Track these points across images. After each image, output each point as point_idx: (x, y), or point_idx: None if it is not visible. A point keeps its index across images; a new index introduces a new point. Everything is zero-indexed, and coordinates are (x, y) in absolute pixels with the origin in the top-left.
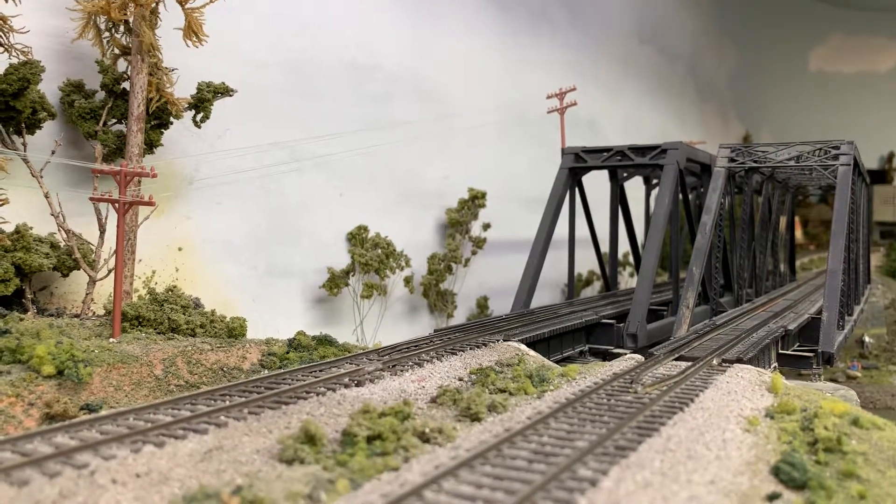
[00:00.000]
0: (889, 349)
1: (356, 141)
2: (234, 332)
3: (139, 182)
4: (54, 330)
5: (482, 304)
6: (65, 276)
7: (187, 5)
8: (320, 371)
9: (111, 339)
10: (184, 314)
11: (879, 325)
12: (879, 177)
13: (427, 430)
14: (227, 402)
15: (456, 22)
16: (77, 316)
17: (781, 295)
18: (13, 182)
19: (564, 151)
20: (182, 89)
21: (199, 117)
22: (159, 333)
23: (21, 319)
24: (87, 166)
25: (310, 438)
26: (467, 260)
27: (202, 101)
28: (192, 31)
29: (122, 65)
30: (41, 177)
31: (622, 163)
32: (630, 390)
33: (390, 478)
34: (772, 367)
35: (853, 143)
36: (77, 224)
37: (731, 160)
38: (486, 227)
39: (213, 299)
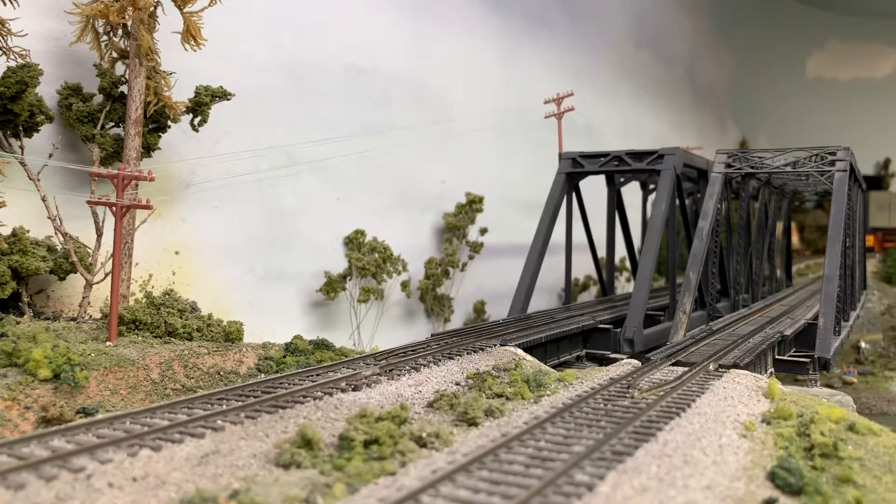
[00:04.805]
0: (885, 355)
1: (354, 145)
2: (230, 335)
3: (136, 185)
4: (51, 333)
5: (479, 308)
6: (61, 279)
7: (186, 9)
8: (317, 375)
9: (108, 343)
10: (180, 318)
11: (875, 331)
12: (875, 183)
13: (424, 435)
14: (224, 406)
15: (454, 26)
16: (73, 319)
17: (778, 300)
18: (10, 185)
19: (561, 156)
20: (180, 93)
21: (196, 121)
22: (156, 337)
23: (17, 323)
24: (84, 170)
25: (307, 443)
26: (464, 264)
27: (200, 105)
28: (190, 34)
29: (120, 68)
30: (38, 180)
31: (619, 168)
32: (627, 395)
33: (387, 482)
34: (768, 372)
35: (849, 149)
36: (74, 227)
37: (728, 165)
38: (484, 231)
39: (209, 303)
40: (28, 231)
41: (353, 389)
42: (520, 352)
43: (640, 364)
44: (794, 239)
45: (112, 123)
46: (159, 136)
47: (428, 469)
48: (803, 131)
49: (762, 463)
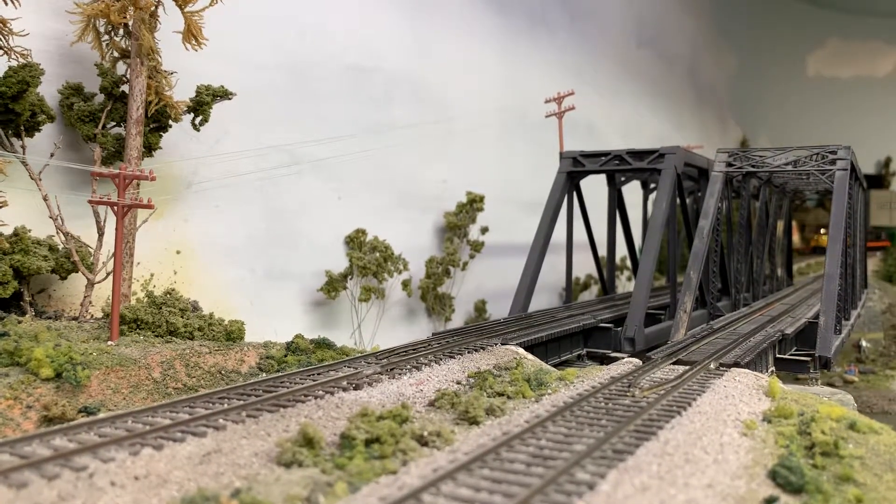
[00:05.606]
0: (886, 353)
1: (355, 144)
2: (232, 335)
3: (138, 185)
4: (52, 332)
5: (480, 307)
6: (63, 278)
7: (187, 8)
8: (318, 374)
9: (109, 342)
10: (182, 317)
11: (876, 330)
12: (876, 181)
13: (425, 434)
14: (226, 405)
15: (455, 25)
16: (75, 319)
17: (778, 299)
18: (12, 185)
19: (562, 155)
20: (181, 92)
21: (197, 120)
22: (157, 336)
23: (19, 322)
24: (85, 169)
25: (308, 441)
26: (465, 263)
27: (201, 105)
28: (191, 34)
29: (121, 68)
30: (40, 179)
31: (620, 167)
32: (628, 394)
33: (388, 481)
34: (769, 371)
35: (850, 147)
36: (75, 227)
37: (729, 164)
38: (485, 230)
39: (211, 302)
40: (30, 230)
41: (355, 388)
42: (521, 350)
43: (640, 363)
44: (795, 238)
45: (113, 123)
46: (160, 136)
47: (429, 468)
48: (804, 130)
49: (763, 461)
